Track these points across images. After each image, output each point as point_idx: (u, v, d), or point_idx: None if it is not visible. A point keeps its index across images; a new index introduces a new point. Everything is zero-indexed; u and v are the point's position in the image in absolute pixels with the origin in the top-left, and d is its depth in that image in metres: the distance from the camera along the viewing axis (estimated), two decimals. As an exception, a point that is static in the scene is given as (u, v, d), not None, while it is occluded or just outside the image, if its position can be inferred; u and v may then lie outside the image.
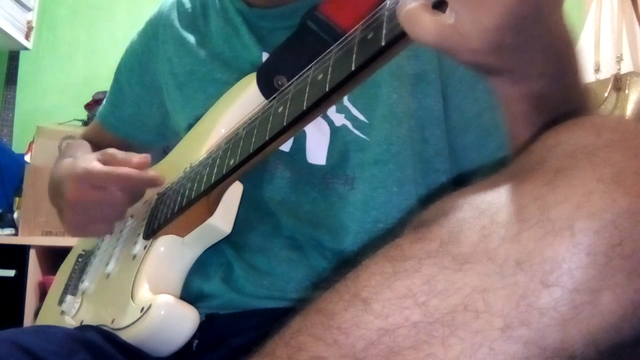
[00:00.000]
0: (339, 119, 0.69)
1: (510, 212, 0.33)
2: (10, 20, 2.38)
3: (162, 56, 0.85)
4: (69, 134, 2.13)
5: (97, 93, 2.31)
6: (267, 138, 0.58)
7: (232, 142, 0.65)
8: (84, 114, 2.38)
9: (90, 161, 0.71)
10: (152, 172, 0.72)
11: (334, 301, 0.36)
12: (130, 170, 0.70)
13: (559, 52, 0.42)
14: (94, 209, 0.72)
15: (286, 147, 0.70)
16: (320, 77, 0.52)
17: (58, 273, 0.95)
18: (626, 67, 1.88)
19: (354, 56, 0.49)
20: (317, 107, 0.53)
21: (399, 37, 0.43)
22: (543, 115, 0.45)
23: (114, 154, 0.73)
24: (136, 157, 0.72)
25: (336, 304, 0.35)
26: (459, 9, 0.38)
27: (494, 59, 0.40)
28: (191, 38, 0.82)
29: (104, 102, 0.98)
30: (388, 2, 0.46)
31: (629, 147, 0.34)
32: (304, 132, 0.69)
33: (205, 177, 0.66)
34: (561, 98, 0.45)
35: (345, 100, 0.69)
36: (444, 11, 0.39)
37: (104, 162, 0.72)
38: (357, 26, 0.51)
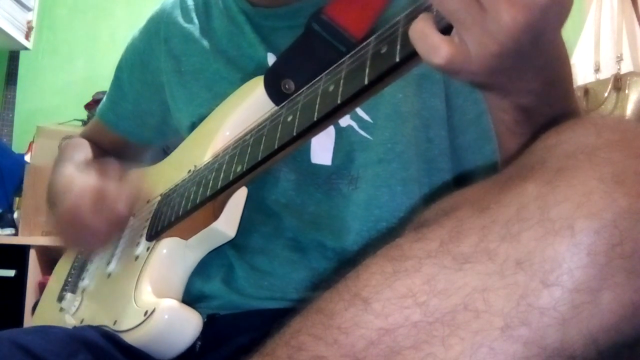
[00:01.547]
0: (344, 120, 0.69)
1: (510, 212, 0.33)
2: (10, 20, 2.38)
3: (166, 54, 0.85)
4: (69, 134, 2.13)
5: (97, 93, 2.31)
6: (275, 147, 0.58)
7: (239, 148, 0.65)
8: (84, 114, 2.38)
9: (82, 203, 0.72)
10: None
11: (334, 301, 0.36)
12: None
13: (550, 71, 0.44)
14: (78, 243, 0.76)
15: None
16: (331, 88, 0.52)
17: (56, 269, 0.94)
18: (626, 67, 1.88)
19: (367, 70, 0.49)
20: (327, 119, 0.53)
21: (414, 54, 0.43)
22: (529, 127, 0.47)
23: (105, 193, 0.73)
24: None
25: (336, 304, 0.35)
26: (464, 34, 0.39)
27: (487, 79, 0.41)
28: (196, 35, 0.82)
29: (103, 99, 0.98)
30: (403, 17, 0.46)
31: (629, 147, 0.34)
32: None
33: (211, 182, 0.66)
34: (549, 112, 0.46)
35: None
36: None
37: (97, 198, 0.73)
38: (370, 38, 0.51)
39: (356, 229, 0.67)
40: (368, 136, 0.68)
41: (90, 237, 0.73)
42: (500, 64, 0.39)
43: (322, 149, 0.69)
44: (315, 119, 0.53)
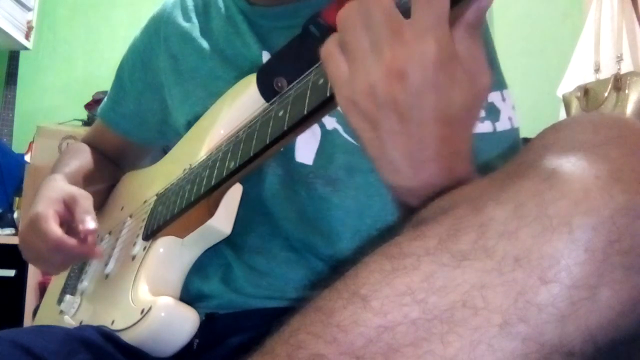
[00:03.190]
0: (330, 122, 0.69)
1: (508, 209, 0.33)
2: (10, 20, 2.38)
3: (165, 53, 0.85)
4: (69, 134, 2.14)
5: (97, 93, 2.31)
6: (267, 142, 0.58)
7: (232, 144, 0.65)
8: (84, 114, 2.39)
9: (49, 209, 0.74)
10: (91, 248, 0.73)
11: (333, 299, 0.36)
12: (74, 245, 0.72)
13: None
14: (36, 254, 0.77)
15: None
16: (321, 81, 0.52)
17: (57, 272, 0.95)
18: (626, 67, 1.89)
19: None
20: (318, 112, 0.53)
21: None
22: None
23: (75, 204, 0.75)
24: (85, 224, 0.73)
25: (335, 302, 0.35)
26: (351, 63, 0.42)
27: (354, 119, 0.43)
28: (194, 35, 0.82)
29: (105, 99, 0.98)
30: None
31: (627, 144, 0.34)
32: None
33: (205, 179, 0.66)
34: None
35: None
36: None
37: (66, 205, 0.75)
38: None
39: (348, 236, 0.67)
40: (353, 141, 0.68)
41: (45, 258, 0.75)
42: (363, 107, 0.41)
43: (306, 148, 0.69)
44: (305, 112, 0.53)
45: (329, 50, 0.44)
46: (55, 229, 0.72)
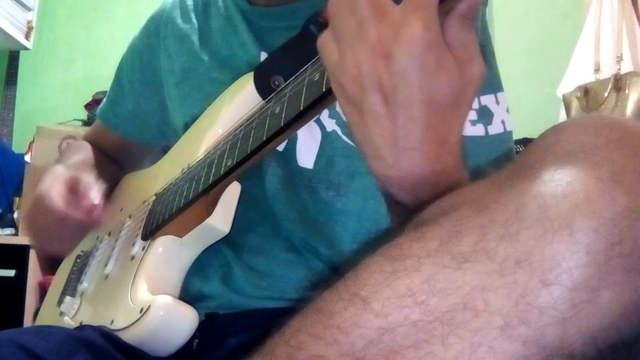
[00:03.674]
0: (330, 124, 0.69)
1: (509, 211, 0.33)
2: (10, 20, 2.38)
3: (163, 52, 0.85)
4: (69, 134, 2.14)
5: (97, 93, 2.31)
6: (264, 138, 0.58)
7: (229, 142, 0.65)
8: (84, 114, 2.39)
9: (53, 188, 0.76)
10: (97, 217, 0.74)
11: (334, 300, 0.35)
12: (79, 216, 0.74)
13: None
14: (44, 233, 0.78)
15: (280, 146, 0.70)
16: (317, 77, 0.52)
17: (57, 274, 0.95)
18: (626, 67, 1.89)
19: None
20: (314, 108, 0.53)
21: None
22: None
23: (77, 183, 0.77)
24: (89, 199, 0.75)
25: (336, 303, 0.35)
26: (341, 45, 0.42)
27: (343, 104, 0.43)
28: (191, 35, 0.82)
29: (104, 99, 0.98)
30: None
31: (628, 146, 0.34)
32: (296, 134, 0.69)
33: (203, 177, 0.66)
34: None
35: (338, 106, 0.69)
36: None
37: (68, 185, 0.77)
38: None
39: (348, 240, 0.67)
40: (351, 143, 0.68)
41: (53, 235, 0.76)
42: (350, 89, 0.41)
43: (307, 151, 0.69)
44: (301, 108, 0.53)
45: (323, 39, 0.44)
46: (58, 203, 0.74)
